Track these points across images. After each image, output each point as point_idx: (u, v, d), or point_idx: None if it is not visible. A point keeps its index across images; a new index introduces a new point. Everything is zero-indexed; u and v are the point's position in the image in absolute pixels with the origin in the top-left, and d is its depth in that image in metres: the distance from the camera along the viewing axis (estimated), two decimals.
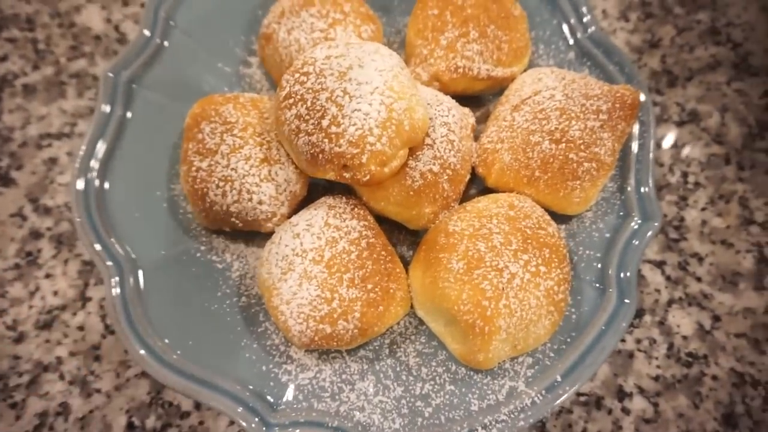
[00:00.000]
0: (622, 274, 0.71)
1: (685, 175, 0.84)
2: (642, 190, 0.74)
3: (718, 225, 0.81)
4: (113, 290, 0.68)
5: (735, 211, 0.81)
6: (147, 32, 0.79)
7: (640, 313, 0.77)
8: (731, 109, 0.86)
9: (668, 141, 0.86)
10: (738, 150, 0.84)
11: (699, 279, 0.78)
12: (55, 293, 0.78)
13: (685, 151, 0.84)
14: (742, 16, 0.91)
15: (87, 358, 0.75)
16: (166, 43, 0.80)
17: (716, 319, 0.77)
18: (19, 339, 0.75)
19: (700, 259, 0.79)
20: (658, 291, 0.78)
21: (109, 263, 0.69)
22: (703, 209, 0.82)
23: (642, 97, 0.74)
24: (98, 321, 0.77)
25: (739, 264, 0.79)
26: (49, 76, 0.89)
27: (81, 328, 0.76)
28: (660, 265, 0.80)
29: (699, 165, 0.84)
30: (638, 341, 0.76)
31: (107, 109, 0.75)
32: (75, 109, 0.87)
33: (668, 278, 0.79)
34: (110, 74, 0.76)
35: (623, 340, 0.74)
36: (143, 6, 0.92)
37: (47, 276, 0.79)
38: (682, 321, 0.76)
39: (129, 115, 0.77)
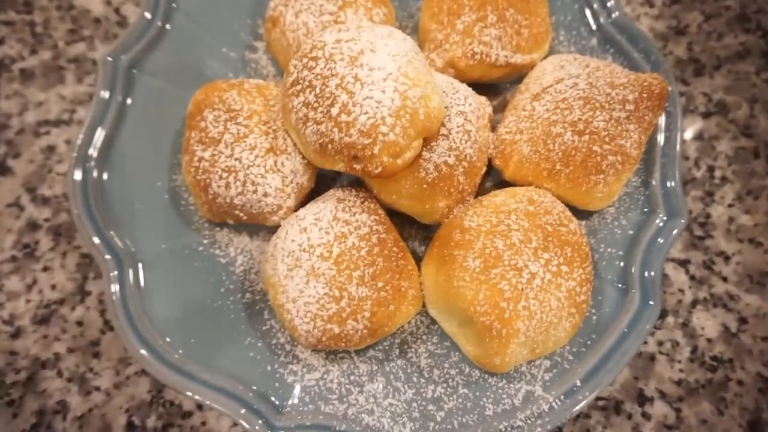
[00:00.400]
0: (645, 274, 0.67)
1: (711, 169, 0.80)
2: (668, 185, 0.70)
3: (745, 222, 0.77)
4: (112, 286, 0.65)
5: (764, 207, 0.77)
6: (148, 15, 0.75)
7: (663, 314, 0.73)
8: (761, 100, 0.82)
9: (694, 133, 0.82)
10: (767, 143, 0.80)
11: (725, 279, 0.75)
12: (53, 287, 0.75)
13: (712, 144, 0.80)
14: None
15: (86, 354, 0.72)
16: (168, 26, 0.76)
17: (743, 321, 0.73)
18: (16, 334, 0.73)
19: (727, 258, 0.76)
20: (681, 291, 0.75)
21: (108, 257, 0.66)
22: (730, 205, 0.78)
23: (670, 89, 0.70)
24: (97, 316, 0.74)
25: (767, 264, 0.75)
26: (47, 61, 0.85)
27: (80, 323, 0.73)
28: (684, 263, 0.76)
29: (726, 159, 0.80)
30: (660, 343, 0.72)
31: (106, 95, 0.71)
32: (74, 95, 0.84)
33: (692, 278, 0.75)
34: (109, 59, 0.72)
35: (645, 342, 0.71)
36: None
37: (45, 269, 0.76)
38: (707, 323, 0.73)
39: (129, 101, 0.73)
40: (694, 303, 0.74)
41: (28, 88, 0.84)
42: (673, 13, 0.87)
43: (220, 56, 0.79)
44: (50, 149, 0.81)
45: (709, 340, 0.72)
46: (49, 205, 0.79)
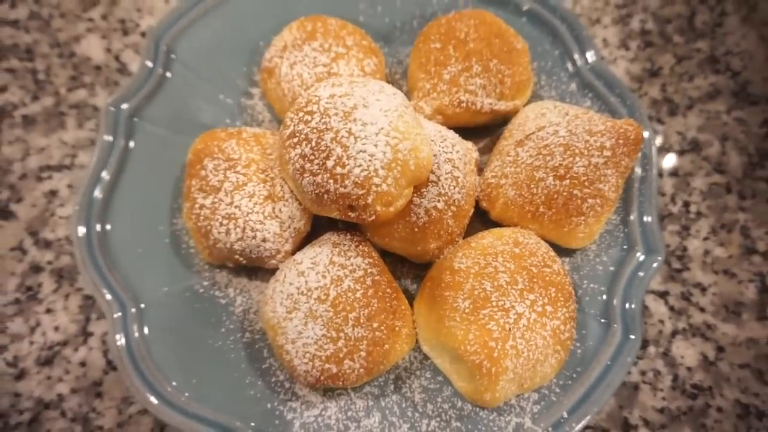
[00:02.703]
0: (626, 309, 0.71)
1: (686, 204, 0.84)
2: (645, 223, 0.74)
3: (720, 255, 0.81)
4: (117, 337, 0.67)
5: (737, 240, 0.81)
6: (149, 63, 0.79)
7: (644, 344, 0.77)
8: (731, 138, 0.87)
9: (670, 170, 0.86)
10: (739, 179, 0.84)
11: (702, 309, 0.79)
12: (56, 328, 0.77)
13: (687, 180, 0.84)
14: (741, 44, 0.91)
15: (89, 394, 0.74)
16: (168, 74, 0.80)
17: (720, 350, 0.77)
18: (20, 376, 0.74)
19: (703, 290, 0.80)
20: (662, 322, 0.78)
21: (113, 305, 0.68)
22: (706, 239, 0.82)
23: (646, 134, 0.74)
24: (100, 356, 0.76)
25: (741, 294, 0.79)
26: (49, 107, 0.88)
27: (83, 363, 0.75)
28: (663, 295, 0.80)
29: (701, 194, 0.84)
30: (643, 373, 0.76)
31: (108, 144, 0.74)
32: (75, 140, 0.86)
33: (672, 309, 0.79)
34: (111, 108, 0.76)
35: (628, 372, 0.74)
36: (144, 35, 0.92)
37: (48, 311, 0.78)
38: (687, 352, 0.77)
39: (131, 148, 0.76)
40: (674, 333, 0.78)
41: (30, 133, 0.86)
42: (647, 56, 0.92)
43: (217, 103, 0.82)
44: (52, 193, 0.83)
45: (689, 369, 0.76)
46: (52, 249, 0.81)
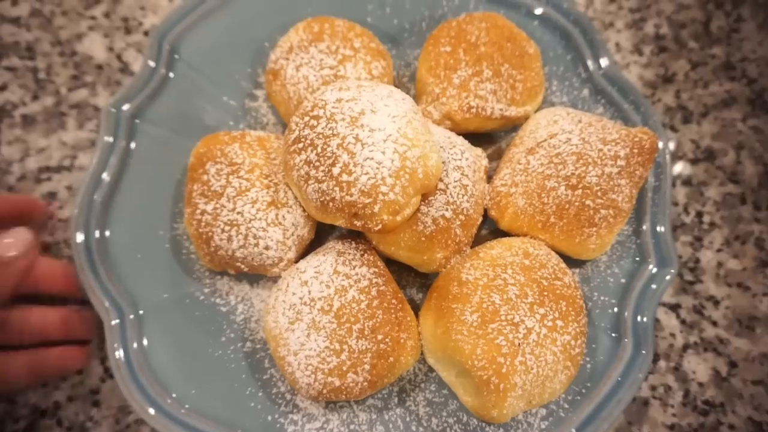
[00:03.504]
0: (638, 323, 0.69)
1: (700, 215, 0.82)
2: (658, 234, 0.72)
3: (734, 267, 0.79)
4: (117, 354, 0.66)
5: (751, 252, 0.79)
6: (152, 63, 0.77)
7: (655, 359, 0.75)
8: (747, 147, 0.85)
9: (683, 179, 0.84)
10: (754, 189, 0.82)
11: (715, 323, 0.77)
12: None
13: (701, 190, 0.82)
14: (758, 51, 0.89)
15: (86, 403, 0.72)
16: (171, 75, 0.78)
17: (733, 365, 0.75)
18: None
19: (716, 303, 0.78)
20: (673, 335, 0.76)
21: (113, 316, 0.67)
22: (719, 250, 0.80)
23: (660, 144, 0.72)
24: (97, 364, 0.74)
25: (755, 308, 0.77)
26: (49, 107, 0.86)
27: (79, 371, 0.73)
28: (675, 308, 0.78)
29: (714, 204, 0.82)
30: (653, 388, 0.74)
31: (108, 146, 0.72)
32: (75, 141, 0.85)
33: (683, 322, 0.77)
34: (112, 109, 0.74)
35: (639, 388, 0.72)
36: (146, 34, 0.90)
37: None
38: (698, 367, 0.75)
39: (131, 151, 0.74)
40: (685, 347, 0.76)
41: (29, 134, 0.84)
42: (661, 62, 0.90)
43: (220, 105, 0.80)
44: (51, 195, 0.82)
45: (700, 384, 0.74)
46: (50, 252, 0.79)
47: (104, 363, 0.74)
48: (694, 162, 0.84)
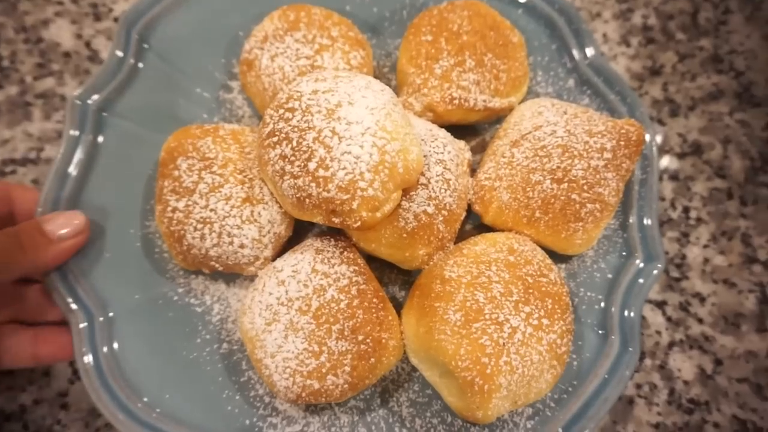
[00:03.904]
0: (625, 320, 0.67)
1: (686, 210, 0.81)
2: (645, 228, 0.71)
3: (720, 263, 0.78)
4: (85, 358, 0.63)
5: (738, 248, 0.78)
6: (120, 53, 0.73)
7: (641, 357, 0.74)
8: (734, 141, 0.83)
9: (670, 174, 0.83)
10: (740, 184, 0.81)
11: (701, 320, 0.76)
12: None
13: (688, 185, 0.81)
14: (746, 43, 0.88)
15: (53, 406, 0.69)
16: (140, 65, 0.74)
17: (718, 363, 0.74)
18: None
19: (702, 300, 0.77)
20: (659, 333, 0.75)
21: (80, 318, 0.64)
22: (705, 246, 0.79)
23: (647, 137, 0.70)
24: (65, 366, 0.71)
25: (741, 305, 0.76)
26: (14, 97, 0.82)
27: (46, 373, 0.71)
28: (661, 305, 0.77)
29: (701, 200, 0.81)
30: (638, 386, 0.73)
31: (74, 140, 0.69)
32: (41, 132, 0.81)
33: (669, 319, 0.76)
34: (78, 102, 0.70)
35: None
36: (116, 21, 0.86)
37: None
38: (684, 365, 0.74)
39: (98, 145, 0.71)
40: (671, 345, 0.75)
41: None
42: (649, 53, 0.88)
43: (193, 97, 0.77)
44: None
45: (685, 383, 0.73)
46: None
47: (72, 364, 0.71)
48: (681, 156, 0.83)
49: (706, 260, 0.78)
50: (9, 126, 0.81)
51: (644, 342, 0.75)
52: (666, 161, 0.83)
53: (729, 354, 0.74)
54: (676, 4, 0.92)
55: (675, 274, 0.78)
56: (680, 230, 0.80)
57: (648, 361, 0.74)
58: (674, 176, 0.82)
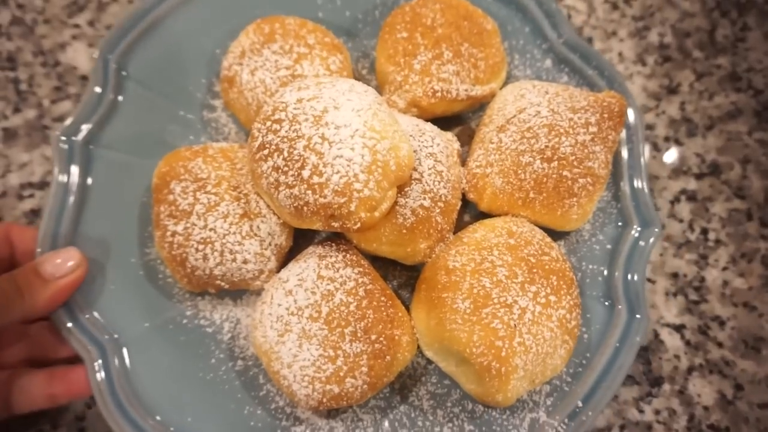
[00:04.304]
0: (629, 286, 0.68)
1: (705, 231, 0.80)
2: (637, 193, 0.72)
3: (740, 286, 0.77)
4: (97, 376, 0.63)
5: (758, 271, 0.77)
6: (98, 89, 0.73)
7: (659, 381, 0.73)
8: (753, 161, 0.82)
9: (688, 195, 0.82)
10: (760, 205, 0.80)
11: (720, 344, 0.75)
12: None
13: (706, 206, 0.80)
14: (764, 61, 0.86)
15: (71, 430, 0.69)
16: (120, 98, 0.74)
17: (739, 388, 0.73)
18: None
19: (722, 323, 0.76)
20: (677, 357, 0.75)
21: (90, 347, 0.64)
22: (725, 269, 0.78)
23: (631, 115, 0.71)
24: None
25: (762, 328, 0.75)
26: (32, 120, 0.82)
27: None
28: (679, 329, 0.76)
29: (720, 221, 0.80)
30: (657, 412, 0.72)
31: (64, 178, 0.69)
32: None
33: (688, 343, 0.75)
34: (63, 138, 0.70)
35: (641, 411, 0.71)
36: None
37: None
38: (703, 390, 0.73)
39: (89, 178, 0.71)
40: (690, 369, 0.74)
41: (11, 148, 0.80)
42: (665, 72, 0.87)
43: (178, 120, 0.77)
44: (34, 213, 0.78)
45: (705, 408, 0.72)
46: None
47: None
48: (698, 177, 0.82)
49: (726, 283, 0.77)
50: (27, 149, 0.81)
51: (662, 366, 0.74)
52: (684, 182, 0.82)
53: (750, 379, 0.73)
54: (692, 22, 0.90)
55: (694, 297, 0.77)
56: (699, 252, 0.79)
57: (667, 386, 0.73)
58: (692, 197, 0.81)
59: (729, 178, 0.82)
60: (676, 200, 0.81)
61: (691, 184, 0.81)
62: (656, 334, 0.75)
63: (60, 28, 0.87)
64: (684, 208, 0.81)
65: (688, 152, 0.83)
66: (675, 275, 0.78)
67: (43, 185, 0.79)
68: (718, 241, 0.79)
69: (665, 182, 0.82)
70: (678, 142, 0.84)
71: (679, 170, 0.82)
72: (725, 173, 0.82)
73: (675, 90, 0.86)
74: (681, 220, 0.80)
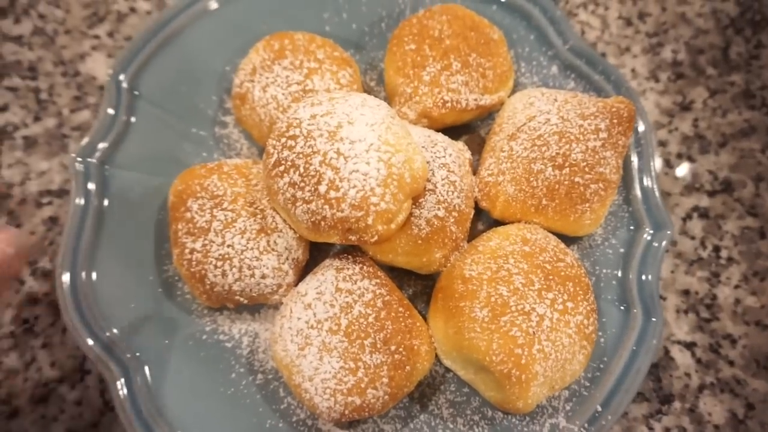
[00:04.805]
0: (644, 290, 0.69)
1: (717, 249, 0.80)
2: (649, 201, 0.72)
3: (752, 304, 0.77)
4: (120, 393, 0.63)
5: None
6: (111, 110, 0.74)
7: (669, 399, 0.73)
8: (766, 179, 0.82)
9: (700, 212, 0.82)
10: None
11: (732, 363, 0.74)
12: (53, 364, 0.72)
13: (718, 223, 0.80)
14: None
15: None
16: (133, 119, 0.75)
17: (750, 407, 0.73)
18: (13, 414, 0.69)
19: (733, 341, 0.76)
20: (688, 375, 0.74)
21: (112, 366, 0.64)
22: (737, 287, 0.78)
23: (641, 126, 0.72)
24: (97, 396, 0.71)
25: None
26: (51, 129, 0.83)
27: (78, 402, 0.71)
28: (690, 347, 0.76)
29: (732, 238, 0.80)
30: (667, 430, 0.72)
31: (81, 200, 0.69)
32: None
33: (699, 361, 0.75)
34: (79, 159, 0.71)
35: (651, 428, 0.71)
36: None
37: (44, 345, 0.73)
38: (714, 409, 0.72)
39: (105, 202, 0.71)
40: (701, 388, 0.74)
41: (30, 156, 0.81)
42: (678, 89, 0.87)
43: (190, 137, 0.78)
44: (52, 220, 0.78)
45: (716, 427, 0.72)
46: (50, 279, 0.76)
47: (104, 395, 0.71)
48: (711, 194, 0.82)
49: (738, 301, 0.77)
50: (46, 158, 0.82)
51: (673, 384, 0.74)
52: (696, 199, 0.82)
53: (761, 398, 0.73)
54: (706, 39, 0.90)
55: (705, 314, 0.77)
56: (710, 270, 0.78)
57: (677, 404, 0.73)
58: (704, 214, 0.81)
59: (742, 196, 0.81)
60: (688, 217, 0.81)
61: (704, 201, 0.81)
62: (667, 351, 0.75)
63: (80, 38, 0.88)
64: (696, 225, 0.81)
65: (701, 169, 0.83)
66: (686, 292, 0.78)
67: (61, 193, 0.80)
68: (730, 259, 0.79)
69: (677, 199, 0.82)
70: (691, 159, 0.84)
71: (691, 187, 0.82)
72: (738, 191, 0.81)
73: (688, 107, 0.86)
74: (693, 237, 0.80)
